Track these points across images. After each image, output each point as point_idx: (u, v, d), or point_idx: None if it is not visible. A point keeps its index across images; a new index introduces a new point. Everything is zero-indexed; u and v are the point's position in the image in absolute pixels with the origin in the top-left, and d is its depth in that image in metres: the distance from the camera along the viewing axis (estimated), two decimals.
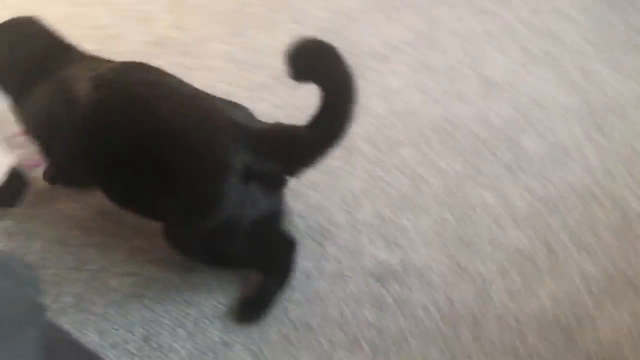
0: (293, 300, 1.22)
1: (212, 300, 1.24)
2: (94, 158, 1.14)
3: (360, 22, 1.82)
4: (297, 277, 1.25)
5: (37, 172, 1.47)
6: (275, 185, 1.11)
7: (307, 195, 1.39)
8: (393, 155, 1.44)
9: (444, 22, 1.77)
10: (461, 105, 1.53)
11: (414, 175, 1.40)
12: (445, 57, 1.66)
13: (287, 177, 1.11)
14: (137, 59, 1.75)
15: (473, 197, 1.34)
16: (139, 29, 1.91)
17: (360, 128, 1.52)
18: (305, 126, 1.05)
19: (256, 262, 1.19)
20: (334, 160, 1.45)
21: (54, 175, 1.46)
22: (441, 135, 1.47)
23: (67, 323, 1.24)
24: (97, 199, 1.47)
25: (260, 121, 1.15)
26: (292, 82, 1.65)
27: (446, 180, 1.38)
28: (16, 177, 1.49)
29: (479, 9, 1.78)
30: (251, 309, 1.21)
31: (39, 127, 1.22)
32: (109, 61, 1.22)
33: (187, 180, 1.03)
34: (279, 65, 1.70)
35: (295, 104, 1.62)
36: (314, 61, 1.04)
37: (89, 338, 1.21)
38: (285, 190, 1.14)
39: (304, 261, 1.27)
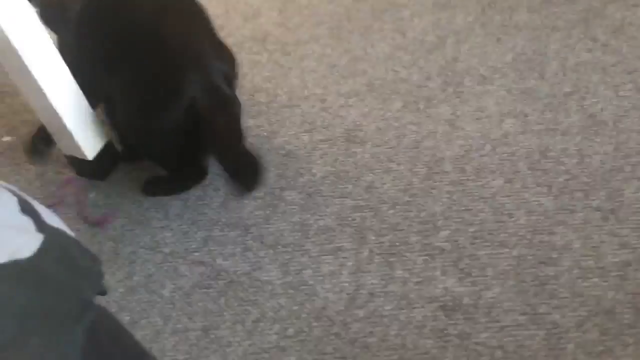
0: (354, 315, 1.20)
1: (275, 302, 1.24)
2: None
3: (466, 41, 1.76)
4: (361, 293, 1.23)
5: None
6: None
7: (382, 211, 1.37)
8: (480, 183, 1.39)
9: (555, 49, 1.68)
10: (560, 140, 1.44)
11: (498, 207, 1.33)
12: (550, 86, 1.58)
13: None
14: (240, 52, 1.79)
15: (559, 239, 1.26)
16: (244, 24, 1.95)
17: (450, 149, 1.47)
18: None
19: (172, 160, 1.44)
20: (416, 178, 1.42)
21: None
22: (534, 169, 1.39)
23: (135, 302, 1.28)
24: None
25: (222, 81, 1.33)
26: (384, 92, 1.63)
27: (532, 217, 1.30)
28: (109, 151, 1.56)
29: (596, 40, 1.68)
30: (154, 187, 1.49)
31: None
32: None
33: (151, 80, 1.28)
34: (374, 73, 1.70)
35: (384, 115, 1.59)
36: None
37: (153, 320, 1.24)
38: None
39: (369, 278, 1.25)
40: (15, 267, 0.52)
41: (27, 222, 0.55)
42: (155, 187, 1.51)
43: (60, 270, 0.54)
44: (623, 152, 1.39)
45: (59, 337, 0.51)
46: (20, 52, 1.27)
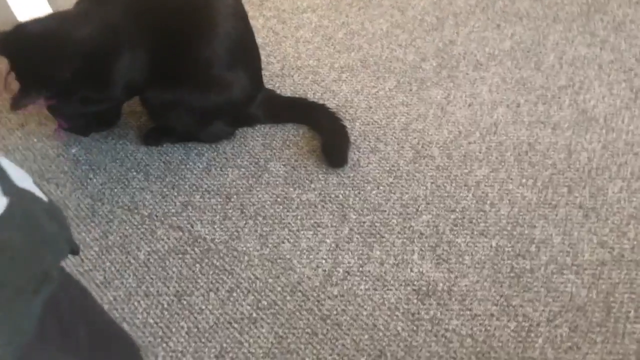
0: (328, 293, 1.19)
1: (250, 273, 1.23)
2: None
3: (466, 24, 1.73)
4: (337, 271, 1.22)
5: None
6: None
7: (366, 190, 1.36)
8: (465, 170, 1.38)
9: (554, 42, 1.66)
10: (550, 133, 1.44)
11: (481, 196, 1.33)
12: (545, 78, 1.56)
13: None
14: None
15: (538, 233, 1.26)
16: None
17: (438, 134, 1.46)
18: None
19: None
20: (402, 161, 1.41)
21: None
22: (521, 160, 1.39)
23: (110, 261, 1.27)
24: (165, 148, 1.49)
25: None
26: (378, 70, 1.61)
27: (514, 209, 1.30)
28: None
29: (595, 35, 1.66)
30: (153, 137, 1.49)
31: None
32: None
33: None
34: (370, 50, 1.68)
35: (376, 93, 1.57)
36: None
37: (126, 282, 1.23)
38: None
39: (347, 257, 1.25)
40: None
41: None
42: (160, 136, 1.50)
43: (21, 239, 0.51)
44: (610, 151, 1.39)
45: (13, 309, 0.49)
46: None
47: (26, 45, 1.27)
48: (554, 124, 1.46)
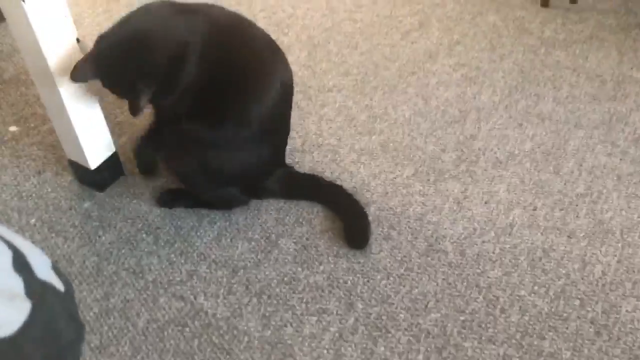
0: None
1: (249, 355, 1.20)
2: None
3: (487, 120, 1.75)
4: None
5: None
6: None
7: (375, 279, 1.34)
8: (477, 270, 1.36)
9: (574, 147, 1.67)
10: (565, 241, 1.42)
11: (492, 299, 1.30)
12: (564, 184, 1.56)
13: None
14: None
15: (547, 345, 1.23)
16: None
17: (453, 229, 1.45)
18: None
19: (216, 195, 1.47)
20: (415, 252, 1.39)
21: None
22: (534, 266, 1.37)
23: (108, 326, 1.24)
24: (178, 212, 1.48)
25: None
26: (397, 156, 1.61)
27: (524, 317, 1.27)
28: (114, 163, 1.54)
29: (615, 145, 1.67)
30: (167, 199, 1.49)
31: None
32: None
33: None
34: (391, 135, 1.69)
35: (394, 179, 1.57)
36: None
37: (122, 349, 1.20)
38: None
39: (350, 349, 1.21)
40: None
41: (18, 284, 0.51)
42: (174, 198, 1.50)
43: (40, 352, 0.50)
44: (626, 267, 1.37)
45: None
46: (45, 52, 1.25)
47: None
48: (570, 232, 1.44)
